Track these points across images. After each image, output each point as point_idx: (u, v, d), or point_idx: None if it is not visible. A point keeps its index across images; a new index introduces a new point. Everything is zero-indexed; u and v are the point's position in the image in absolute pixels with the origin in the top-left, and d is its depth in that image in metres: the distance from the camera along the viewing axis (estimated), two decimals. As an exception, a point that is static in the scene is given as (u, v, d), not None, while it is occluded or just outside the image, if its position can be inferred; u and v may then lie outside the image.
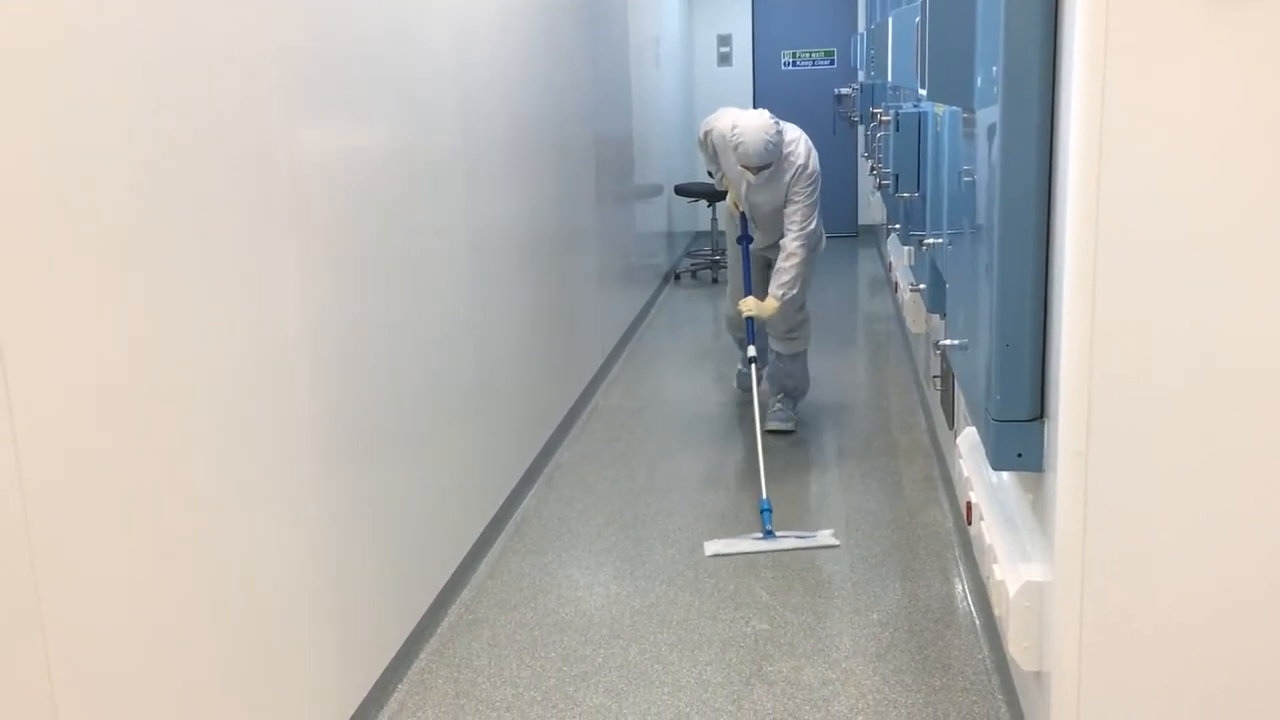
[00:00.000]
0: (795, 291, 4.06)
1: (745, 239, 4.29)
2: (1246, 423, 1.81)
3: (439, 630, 2.90)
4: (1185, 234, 1.77)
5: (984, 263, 2.06)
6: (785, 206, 4.07)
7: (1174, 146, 1.75)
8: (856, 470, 3.97)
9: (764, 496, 3.51)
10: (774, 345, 4.36)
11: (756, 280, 4.32)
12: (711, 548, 3.32)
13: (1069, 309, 1.82)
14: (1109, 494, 1.87)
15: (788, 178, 4.03)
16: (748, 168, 3.99)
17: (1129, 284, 1.80)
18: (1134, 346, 1.81)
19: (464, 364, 3.20)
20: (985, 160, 2.06)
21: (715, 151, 4.23)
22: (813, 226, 4.07)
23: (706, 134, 4.26)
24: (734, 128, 3.96)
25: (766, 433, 4.07)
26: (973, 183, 2.22)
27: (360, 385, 2.47)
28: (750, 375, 4.19)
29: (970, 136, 2.25)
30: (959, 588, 3.03)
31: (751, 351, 4.20)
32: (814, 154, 4.09)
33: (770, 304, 4.07)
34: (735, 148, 3.95)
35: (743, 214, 4.28)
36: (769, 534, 3.36)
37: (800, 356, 4.43)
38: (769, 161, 3.95)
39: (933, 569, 3.15)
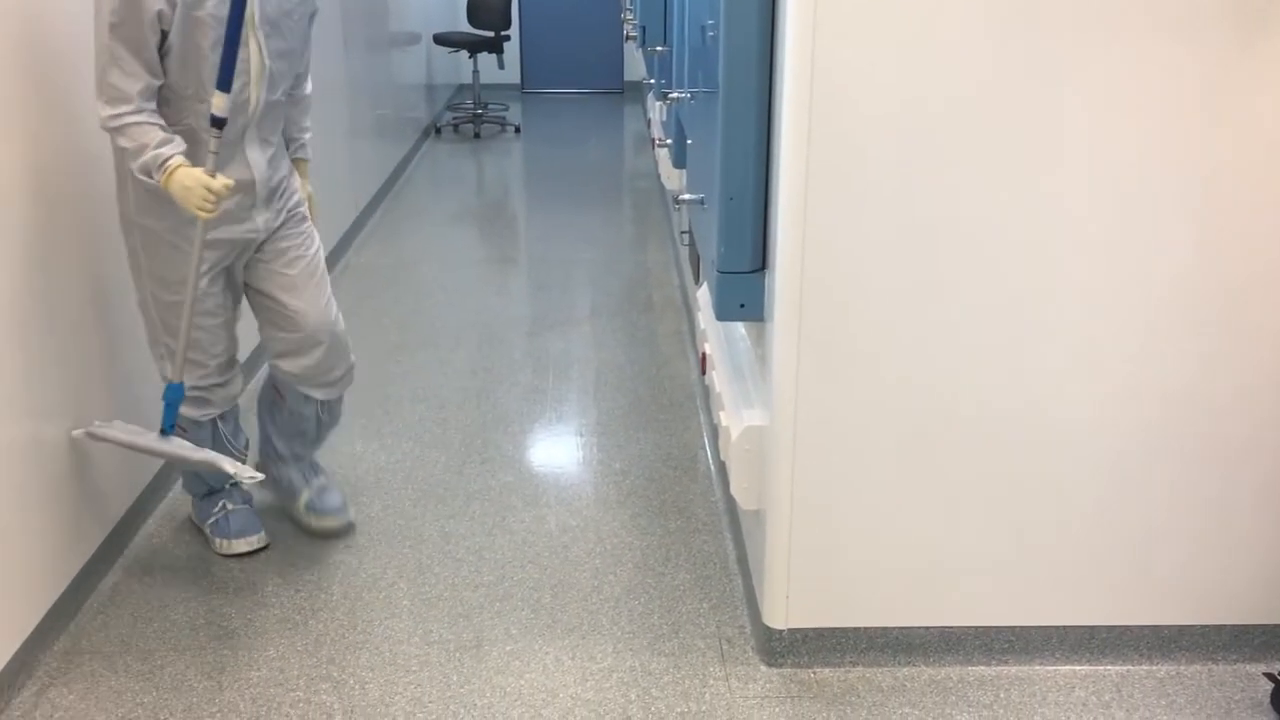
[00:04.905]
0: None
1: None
2: (935, 280, 1.93)
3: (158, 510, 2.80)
4: (897, 101, 1.85)
5: (715, 118, 2.09)
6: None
7: (887, 18, 1.80)
8: (609, 325, 4.03)
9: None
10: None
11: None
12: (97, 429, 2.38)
13: (785, 166, 1.88)
14: (820, 342, 1.97)
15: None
16: None
17: (841, 145, 1.86)
18: (844, 203, 1.89)
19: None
20: (718, 16, 2.06)
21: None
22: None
23: None
24: None
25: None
26: (715, 37, 2.22)
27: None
28: None
29: (707, -11, 2.24)
30: (699, 436, 3.16)
31: None
32: None
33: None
34: None
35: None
36: (166, 432, 2.42)
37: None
38: None
39: (676, 419, 3.27)
